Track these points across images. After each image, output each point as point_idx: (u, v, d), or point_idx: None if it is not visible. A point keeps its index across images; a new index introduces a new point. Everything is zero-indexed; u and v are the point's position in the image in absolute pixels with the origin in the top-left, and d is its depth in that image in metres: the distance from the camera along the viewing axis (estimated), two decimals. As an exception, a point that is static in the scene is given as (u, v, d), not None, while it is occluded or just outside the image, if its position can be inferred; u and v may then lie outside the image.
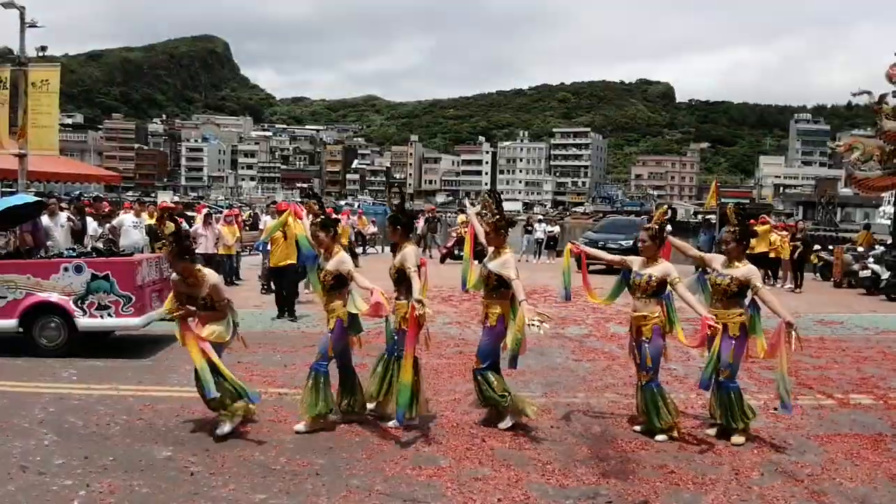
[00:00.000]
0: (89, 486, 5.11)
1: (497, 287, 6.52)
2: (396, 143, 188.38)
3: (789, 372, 6.32)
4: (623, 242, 22.51)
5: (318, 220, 6.63)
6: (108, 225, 15.17)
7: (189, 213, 25.17)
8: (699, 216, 41.87)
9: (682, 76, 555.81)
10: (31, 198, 10.79)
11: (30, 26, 17.27)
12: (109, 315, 9.20)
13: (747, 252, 7.02)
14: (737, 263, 6.42)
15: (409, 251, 6.64)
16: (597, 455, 5.89)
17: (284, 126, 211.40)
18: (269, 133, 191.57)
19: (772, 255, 19.36)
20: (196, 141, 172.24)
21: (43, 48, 18.03)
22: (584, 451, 6.00)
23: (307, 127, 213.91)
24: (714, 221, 23.45)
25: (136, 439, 6.13)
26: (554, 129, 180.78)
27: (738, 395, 6.33)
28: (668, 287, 6.41)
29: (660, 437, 6.27)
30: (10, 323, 9.12)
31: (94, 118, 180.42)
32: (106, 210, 17.78)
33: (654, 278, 6.41)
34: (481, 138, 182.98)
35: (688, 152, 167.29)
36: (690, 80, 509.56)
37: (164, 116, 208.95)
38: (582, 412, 7.13)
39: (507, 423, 6.52)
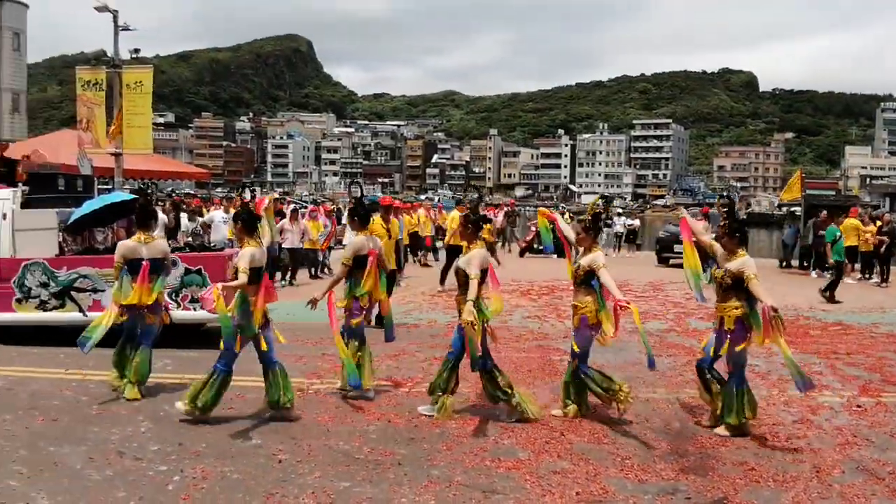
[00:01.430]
0: (183, 472, 5.39)
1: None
2: (476, 138, 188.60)
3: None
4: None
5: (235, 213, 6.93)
6: (200, 220, 15.75)
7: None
8: (783, 209, 40.59)
9: (766, 65, 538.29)
10: (127, 195, 11.32)
11: (123, 29, 18.07)
12: (202, 308, 9.61)
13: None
14: (732, 256, 6.40)
15: (356, 241, 7.44)
16: (676, 451, 5.87)
17: (366, 122, 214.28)
18: (352, 129, 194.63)
19: (863, 248, 18.62)
20: (281, 138, 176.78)
21: (136, 50, 18.84)
22: (663, 446, 5.99)
23: (388, 123, 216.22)
24: (799, 214, 22.69)
25: (227, 427, 6.42)
26: (634, 121, 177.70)
27: (743, 390, 6.28)
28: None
29: (556, 412, 6.69)
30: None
31: (184, 117, 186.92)
32: (194, 206, 18.46)
33: (581, 268, 6.61)
34: (560, 131, 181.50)
35: (772, 143, 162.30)
36: (774, 69, 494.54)
37: (250, 114, 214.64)
38: (662, 408, 7.08)
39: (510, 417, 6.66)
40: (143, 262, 7.41)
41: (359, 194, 7.88)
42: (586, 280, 6.60)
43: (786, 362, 6.10)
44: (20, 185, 10.80)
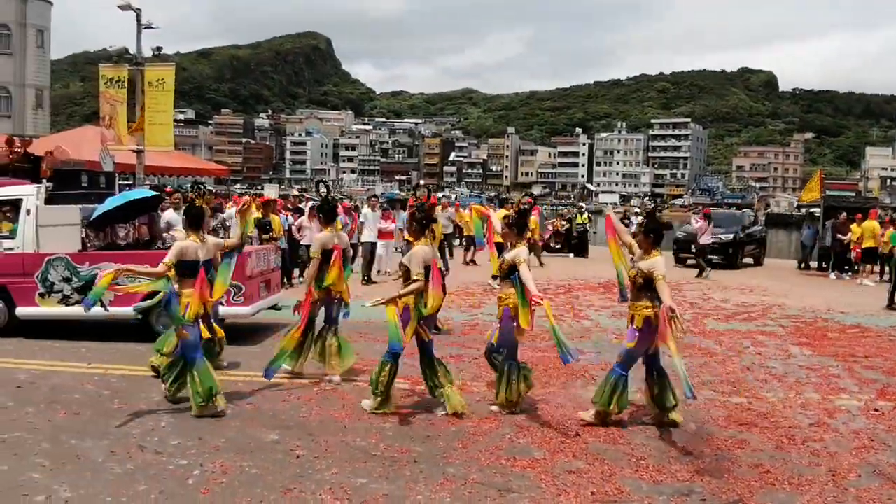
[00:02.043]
0: (203, 466, 5.47)
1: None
2: (493, 136, 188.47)
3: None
4: (723, 236, 21.88)
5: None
6: (220, 216, 15.86)
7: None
8: (803, 209, 40.31)
9: (786, 64, 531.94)
10: (150, 192, 11.46)
11: (146, 27, 18.28)
12: (220, 304, 9.70)
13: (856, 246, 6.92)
14: (647, 256, 6.50)
15: (322, 236, 8.10)
16: (692, 452, 5.88)
17: (384, 120, 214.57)
18: (370, 127, 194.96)
19: (885, 250, 18.45)
20: (300, 135, 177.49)
21: (158, 48, 19.05)
22: (678, 447, 6.00)
23: (406, 120, 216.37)
24: (818, 215, 22.53)
25: (245, 422, 6.50)
26: (652, 120, 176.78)
27: (620, 383, 6.41)
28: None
29: (493, 408, 6.81)
30: (129, 310, 9.74)
31: (204, 114, 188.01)
32: (215, 203, 18.58)
33: (505, 262, 6.81)
34: (578, 130, 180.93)
35: (791, 143, 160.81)
36: (794, 69, 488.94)
37: (269, 111, 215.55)
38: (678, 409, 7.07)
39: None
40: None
41: (325, 193, 8.75)
42: (509, 274, 6.79)
43: (673, 365, 6.08)
44: (44, 181, 10.95)
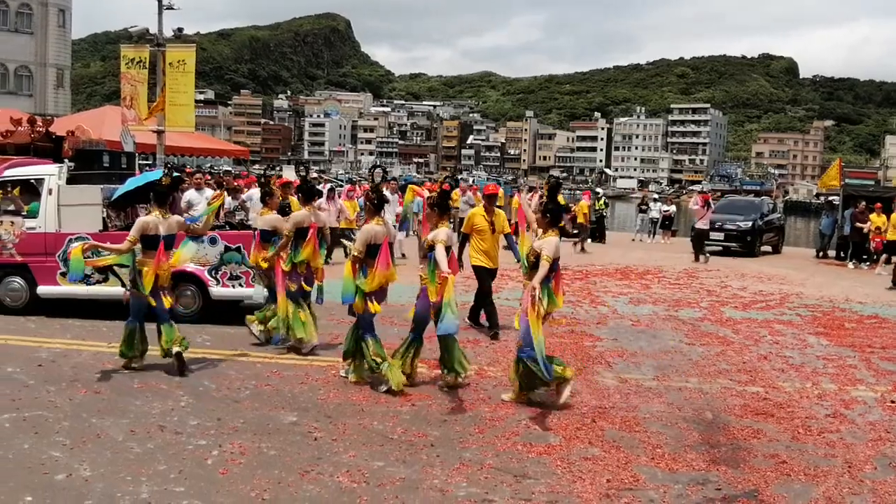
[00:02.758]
0: (221, 447, 5.53)
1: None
2: (512, 119, 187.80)
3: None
4: (741, 224, 21.73)
5: None
6: (241, 197, 15.91)
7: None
8: (821, 197, 39.80)
9: (807, 51, 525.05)
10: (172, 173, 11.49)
11: (167, 8, 18.29)
12: (240, 285, 9.80)
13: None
14: (543, 236, 6.75)
15: (298, 214, 8.43)
16: (708, 441, 5.88)
17: (402, 102, 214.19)
18: (388, 109, 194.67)
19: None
20: (318, 116, 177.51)
21: (179, 30, 19.05)
22: (694, 436, 5.99)
23: (424, 103, 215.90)
24: (837, 203, 22.29)
25: (264, 404, 6.56)
26: (672, 105, 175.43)
27: (532, 362, 6.47)
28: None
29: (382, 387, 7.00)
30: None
31: (224, 94, 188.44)
32: (235, 184, 18.64)
33: (426, 241, 7.09)
34: (597, 114, 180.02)
35: (811, 130, 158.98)
36: (815, 55, 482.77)
37: (288, 93, 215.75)
38: (694, 397, 7.07)
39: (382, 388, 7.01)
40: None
41: (304, 174, 9.31)
42: (427, 253, 7.13)
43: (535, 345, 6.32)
44: (66, 161, 11.02)
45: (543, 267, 6.49)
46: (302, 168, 10.03)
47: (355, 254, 7.08)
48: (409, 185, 9.97)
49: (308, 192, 8.77)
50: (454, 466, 5.24)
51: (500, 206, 10.80)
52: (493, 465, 5.29)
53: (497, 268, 9.75)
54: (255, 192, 16.30)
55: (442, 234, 7.00)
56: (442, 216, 7.22)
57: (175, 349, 7.49)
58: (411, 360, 7.30)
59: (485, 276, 9.65)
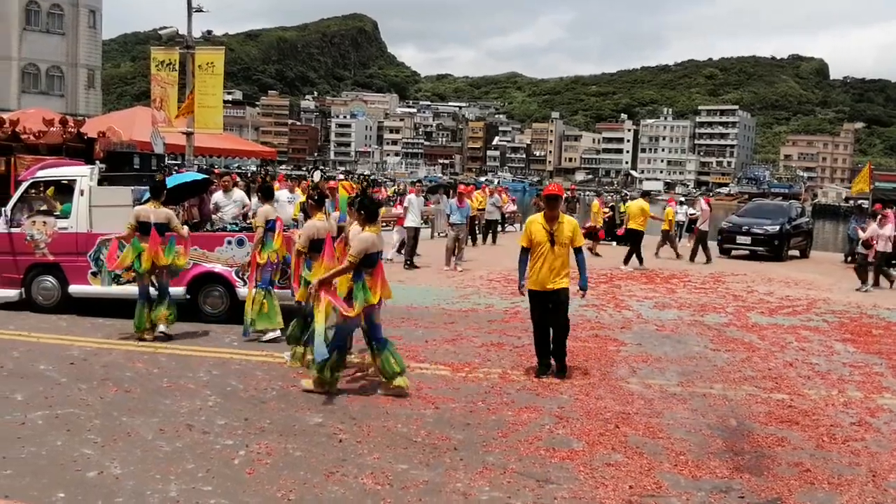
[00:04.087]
0: (248, 447, 5.61)
1: None
2: (537, 120, 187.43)
3: None
4: (769, 228, 21.53)
5: None
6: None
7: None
8: (850, 201, 39.26)
9: (837, 52, 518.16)
10: (200, 175, 11.69)
11: (196, 11, 18.51)
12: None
13: None
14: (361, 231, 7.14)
15: (265, 209, 9.27)
16: (731, 449, 5.86)
17: (428, 103, 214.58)
18: (414, 109, 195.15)
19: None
20: (345, 117, 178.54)
21: (209, 32, 19.27)
22: (718, 443, 5.98)
23: (450, 104, 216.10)
24: (866, 207, 22.01)
25: (290, 405, 6.65)
26: (700, 107, 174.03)
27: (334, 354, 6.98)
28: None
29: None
30: (179, 290, 9.99)
31: (251, 95, 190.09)
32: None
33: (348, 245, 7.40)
34: (623, 116, 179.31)
35: (841, 133, 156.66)
36: (846, 56, 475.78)
37: (315, 93, 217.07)
38: (718, 404, 7.05)
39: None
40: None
41: (264, 175, 9.64)
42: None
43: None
44: (97, 162, 11.22)
45: (342, 263, 6.95)
46: (314, 170, 11.05)
47: (299, 248, 7.77)
48: (340, 182, 10.49)
49: (268, 190, 9.79)
50: (477, 470, 5.28)
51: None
52: (515, 469, 5.32)
53: (558, 290, 7.62)
54: (282, 193, 16.50)
55: (355, 231, 7.30)
56: (364, 219, 7.17)
57: (161, 327, 8.91)
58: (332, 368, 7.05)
59: (533, 303, 7.82)
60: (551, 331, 7.77)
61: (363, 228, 7.13)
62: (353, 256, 6.83)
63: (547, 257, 7.61)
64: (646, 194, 22.32)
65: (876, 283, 15.97)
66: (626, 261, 17.77)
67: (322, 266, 7.51)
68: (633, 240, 18.19)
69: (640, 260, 17.92)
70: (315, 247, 7.74)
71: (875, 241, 15.90)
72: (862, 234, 16.76)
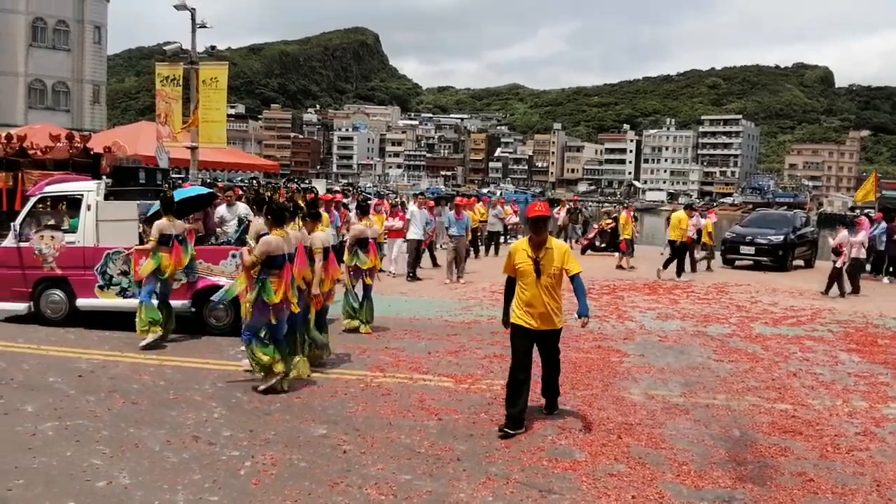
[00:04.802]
0: (254, 458, 5.67)
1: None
2: (539, 132, 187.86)
3: None
4: (773, 238, 21.54)
5: None
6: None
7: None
8: (857, 210, 39.27)
9: (842, 60, 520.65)
10: (205, 189, 11.79)
11: (200, 27, 18.69)
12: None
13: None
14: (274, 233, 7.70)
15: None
16: (734, 459, 5.90)
17: (430, 115, 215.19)
18: (416, 122, 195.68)
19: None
20: (347, 130, 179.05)
21: (212, 47, 19.43)
22: (721, 453, 6.02)
23: (452, 116, 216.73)
24: (873, 216, 22.02)
25: (294, 416, 6.70)
26: (703, 116, 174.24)
27: (248, 345, 7.56)
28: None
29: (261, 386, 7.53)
30: (184, 303, 10.08)
31: (254, 108, 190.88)
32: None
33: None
34: (626, 126, 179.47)
35: (846, 141, 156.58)
36: (851, 64, 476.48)
37: (317, 106, 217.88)
38: (721, 414, 7.09)
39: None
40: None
41: (257, 187, 10.04)
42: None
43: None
44: (104, 177, 11.33)
45: (246, 260, 7.50)
46: (280, 184, 11.38)
47: (254, 260, 7.68)
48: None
49: (261, 204, 10.28)
50: (480, 481, 5.33)
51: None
52: (518, 479, 5.37)
53: (549, 330, 6.61)
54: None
55: (317, 240, 8.19)
56: (273, 225, 7.75)
57: (146, 339, 9.33)
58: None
59: (515, 339, 6.63)
60: (542, 371, 6.85)
61: (270, 231, 7.69)
62: (254, 256, 7.46)
63: (533, 291, 6.45)
64: (689, 207, 22.24)
65: (851, 289, 16.25)
66: (678, 273, 18.13)
67: (281, 286, 7.56)
68: (674, 251, 18.46)
69: (679, 271, 18.20)
70: (271, 262, 7.54)
71: (844, 248, 16.11)
72: (832, 241, 16.93)
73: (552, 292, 6.53)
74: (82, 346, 9.31)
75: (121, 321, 10.27)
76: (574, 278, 6.64)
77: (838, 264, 16.17)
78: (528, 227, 6.70)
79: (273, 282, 7.46)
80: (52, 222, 10.82)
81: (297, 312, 7.91)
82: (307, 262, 8.27)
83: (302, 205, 10.49)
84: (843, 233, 16.50)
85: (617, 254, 24.41)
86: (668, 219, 21.62)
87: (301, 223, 8.79)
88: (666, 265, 18.29)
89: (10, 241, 10.62)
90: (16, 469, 5.32)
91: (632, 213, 26.52)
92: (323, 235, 8.78)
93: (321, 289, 8.52)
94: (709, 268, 20.62)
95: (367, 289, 10.71)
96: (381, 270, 17.51)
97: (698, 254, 22.51)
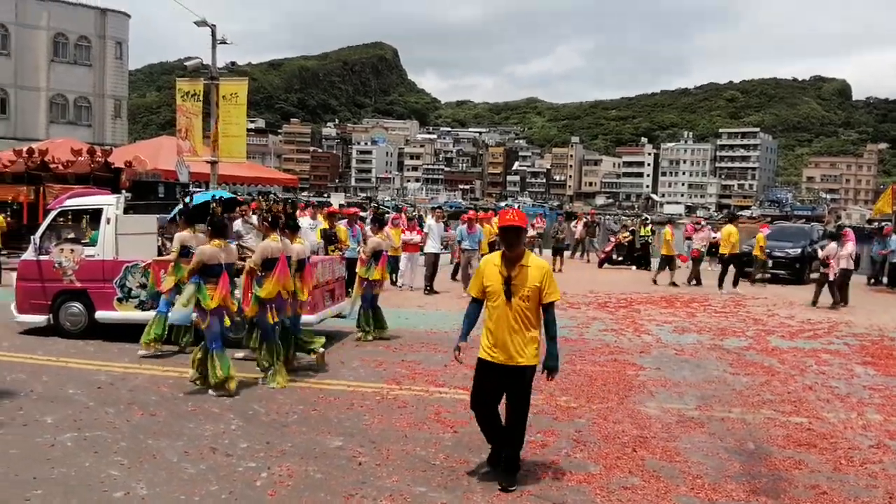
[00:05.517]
0: (270, 469, 5.72)
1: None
2: (557, 145, 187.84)
3: None
4: (790, 251, 21.42)
5: None
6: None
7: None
8: (874, 223, 38.85)
9: (860, 73, 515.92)
10: (227, 193, 11.87)
11: (220, 43, 18.93)
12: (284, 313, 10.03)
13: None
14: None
15: (182, 235, 9.57)
16: (748, 472, 5.88)
17: (448, 129, 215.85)
18: (434, 136, 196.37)
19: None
20: (366, 144, 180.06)
21: (233, 63, 19.66)
22: (735, 467, 6.00)
23: (470, 129, 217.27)
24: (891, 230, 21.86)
25: (311, 428, 6.75)
26: (720, 130, 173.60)
27: (211, 354, 8.00)
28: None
29: (211, 392, 7.91)
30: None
31: (274, 123, 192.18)
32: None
33: None
34: (644, 139, 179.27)
35: (864, 154, 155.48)
36: (869, 77, 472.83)
37: (336, 121, 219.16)
38: (736, 427, 7.06)
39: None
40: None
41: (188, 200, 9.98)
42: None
43: None
44: (123, 191, 11.49)
45: (186, 269, 8.22)
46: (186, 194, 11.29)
47: (252, 266, 8.32)
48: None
49: (217, 227, 8.53)
50: (494, 493, 5.34)
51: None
52: (532, 492, 5.38)
53: (518, 367, 5.42)
54: (305, 220, 16.71)
55: (197, 256, 8.20)
56: (270, 230, 8.62)
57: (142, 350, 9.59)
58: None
59: (478, 376, 5.66)
60: (507, 415, 5.62)
61: (209, 242, 8.32)
62: (192, 264, 8.14)
63: (502, 316, 5.41)
64: (734, 218, 22.26)
65: (843, 301, 16.32)
66: (728, 283, 18.55)
67: (273, 282, 8.25)
68: (725, 264, 18.73)
69: (720, 283, 18.47)
70: (268, 265, 8.31)
71: (831, 261, 16.23)
72: (821, 253, 16.92)
73: (524, 320, 5.39)
74: (102, 358, 9.43)
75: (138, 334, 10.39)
76: (548, 309, 5.45)
77: (830, 277, 16.31)
78: (500, 240, 5.62)
79: (210, 289, 8.10)
80: (71, 235, 10.98)
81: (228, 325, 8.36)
82: (289, 272, 8.52)
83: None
84: (832, 245, 16.56)
85: (633, 267, 24.34)
86: (664, 233, 21.66)
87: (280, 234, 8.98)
88: (721, 283, 18.57)
89: (30, 254, 10.80)
90: (34, 480, 5.39)
91: (650, 226, 26.37)
92: (300, 247, 9.07)
93: (300, 298, 8.97)
94: (758, 281, 20.57)
95: (374, 298, 10.98)
96: (393, 283, 17.76)
97: (710, 266, 22.42)
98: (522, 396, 5.54)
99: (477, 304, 5.71)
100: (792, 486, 5.61)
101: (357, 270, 11.08)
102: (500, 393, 5.53)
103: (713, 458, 6.20)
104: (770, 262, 21.39)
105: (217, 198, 11.56)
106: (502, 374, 5.45)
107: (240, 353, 9.30)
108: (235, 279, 8.56)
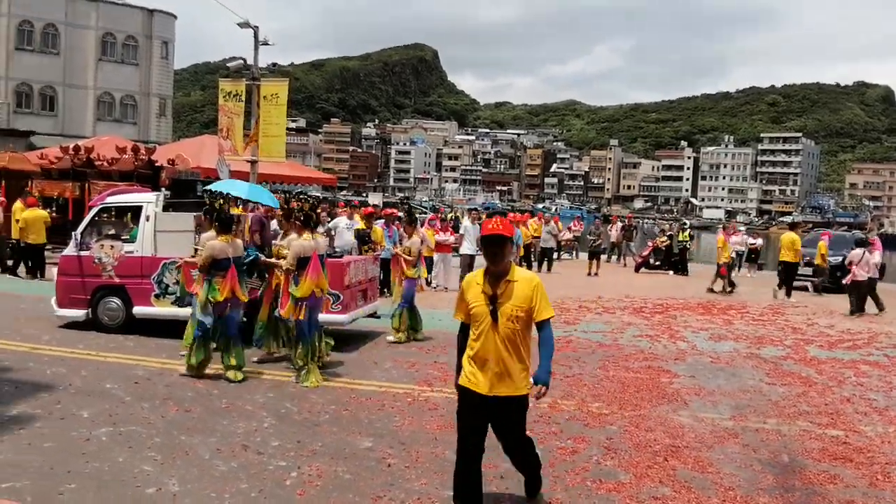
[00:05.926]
0: (300, 469, 5.76)
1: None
2: (596, 148, 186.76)
3: None
4: (831, 259, 21.03)
5: None
6: (328, 225, 16.39)
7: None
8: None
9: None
10: (274, 201, 11.92)
11: (262, 44, 19.14)
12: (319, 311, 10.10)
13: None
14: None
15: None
16: (782, 485, 5.77)
17: (487, 130, 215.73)
18: (472, 137, 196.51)
19: None
20: (405, 144, 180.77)
21: (274, 64, 19.89)
22: (769, 479, 5.90)
23: (508, 131, 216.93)
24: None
25: (342, 429, 6.79)
26: (762, 134, 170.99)
27: (197, 341, 8.48)
28: None
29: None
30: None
31: (315, 122, 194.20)
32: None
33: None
34: (683, 143, 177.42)
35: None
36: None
37: (376, 121, 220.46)
38: (771, 439, 6.95)
39: None
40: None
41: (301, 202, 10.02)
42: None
43: None
44: (163, 189, 11.66)
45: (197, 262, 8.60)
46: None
47: (288, 266, 8.46)
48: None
49: (224, 223, 8.70)
50: (522, 498, 5.31)
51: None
52: (561, 499, 5.35)
53: (506, 398, 4.72)
54: (342, 220, 16.84)
55: (206, 251, 8.43)
56: (291, 226, 9.04)
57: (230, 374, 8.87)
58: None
59: (461, 410, 4.91)
60: (507, 454, 5.14)
61: (217, 237, 8.54)
62: (201, 259, 8.41)
63: (488, 340, 4.69)
64: (795, 226, 22.01)
65: (861, 309, 16.10)
66: (787, 293, 18.42)
67: (307, 281, 8.32)
68: (786, 272, 18.57)
69: (788, 292, 18.33)
70: (301, 264, 8.40)
71: (854, 267, 16.07)
72: (848, 258, 16.89)
73: (514, 344, 4.68)
74: (140, 353, 9.58)
75: (178, 330, 10.54)
76: (543, 326, 4.76)
77: (845, 280, 16.26)
78: (483, 252, 4.82)
79: (219, 282, 8.36)
80: (111, 232, 11.18)
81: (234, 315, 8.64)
82: (321, 270, 8.52)
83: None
84: (857, 251, 16.28)
85: (671, 272, 24.06)
86: (718, 240, 21.35)
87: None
88: (789, 290, 18.47)
89: (71, 250, 11.02)
90: (68, 473, 5.49)
91: (688, 231, 26.01)
92: (307, 243, 8.61)
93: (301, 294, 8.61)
94: (819, 290, 20.35)
95: (412, 298, 11.19)
96: (428, 283, 17.77)
97: (750, 272, 22.05)
98: (518, 433, 4.93)
99: (466, 331, 4.92)
100: (826, 501, 5.50)
101: (405, 271, 11.08)
102: (484, 433, 4.80)
103: (746, 469, 6.11)
104: (826, 271, 21.04)
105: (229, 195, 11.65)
106: (492, 406, 4.71)
107: (255, 357, 9.44)
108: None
